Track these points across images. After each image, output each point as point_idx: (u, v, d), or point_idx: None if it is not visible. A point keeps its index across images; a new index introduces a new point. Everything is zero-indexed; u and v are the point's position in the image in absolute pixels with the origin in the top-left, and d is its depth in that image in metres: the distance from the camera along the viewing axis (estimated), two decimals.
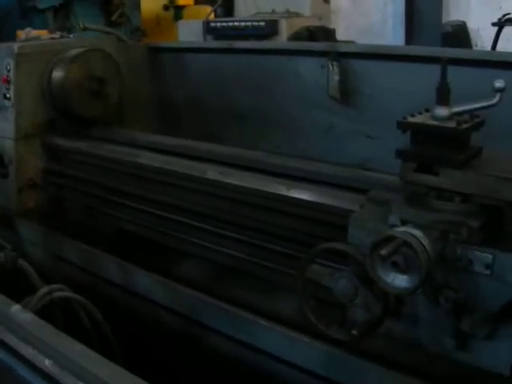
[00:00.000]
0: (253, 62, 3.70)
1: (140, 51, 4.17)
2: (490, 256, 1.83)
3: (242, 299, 2.85)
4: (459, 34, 8.35)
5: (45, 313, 2.61)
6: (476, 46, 8.76)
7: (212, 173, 2.83)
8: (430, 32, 8.32)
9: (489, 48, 6.97)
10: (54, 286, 2.77)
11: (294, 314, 2.57)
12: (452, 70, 1.94)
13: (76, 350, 1.72)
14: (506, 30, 6.70)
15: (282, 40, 6.17)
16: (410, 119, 1.95)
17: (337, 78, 3.15)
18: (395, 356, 2.37)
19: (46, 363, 1.65)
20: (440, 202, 1.92)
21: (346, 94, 3.20)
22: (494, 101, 1.86)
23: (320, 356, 2.47)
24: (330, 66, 3.17)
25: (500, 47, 6.57)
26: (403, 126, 1.94)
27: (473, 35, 8.76)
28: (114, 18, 7.17)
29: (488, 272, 1.84)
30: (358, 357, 2.36)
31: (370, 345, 2.31)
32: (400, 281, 1.79)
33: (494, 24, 6.84)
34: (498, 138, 2.45)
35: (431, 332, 2.01)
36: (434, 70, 1.95)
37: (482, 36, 8.56)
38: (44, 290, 2.73)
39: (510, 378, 1.95)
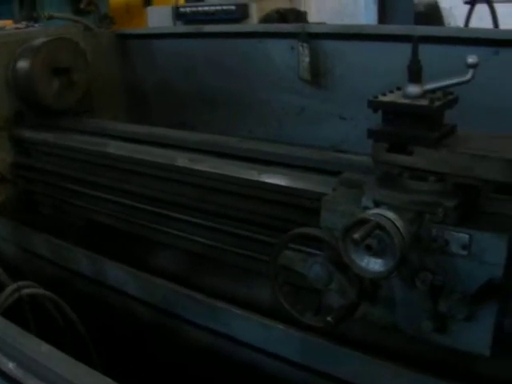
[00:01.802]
0: (222, 45, 3.64)
1: (108, 39, 4.09)
2: (467, 236, 1.79)
3: (216, 288, 2.82)
4: (432, 14, 8.32)
5: (14, 311, 2.56)
6: (449, 24, 8.74)
7: (182, 160, 2.77)
8: (403, 12, 8.29)
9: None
10: (22, 283, 2.69)
11: (271, 301, 2.53)
12: (424, 48, 1.89)
13: (42, 351, 1.65)
14: (478, 7, 6.67)
15: (252, 23, 6.12)
16: (381, 98, 1.89)
17: (307, 59, 3.10)
18: (373, 340, 2.35)
19: (10, 366, 1.58)
20: (414, 183, 1.88)
21: (317, 75, 3.15)
22: (467, 77, 1.81)
23: (296, 343, 2.44)
24: (300, 48, 3.12)
25: (472, 25, 6.55)
26: (374, 105, 1.89)
27: (445, 14, 8.73)
28: (82, 6, 7.10)
29: (465, 252, 1.80)
30: (335, 343, 2.33)
31: (348, 330, 2.28)
32: (374, 264, 1.74)
33: (466, 2, 6.82)
34: (472, 117, 2.41)
35: (408, 315, 1.97)
36: (406, 49, 1.90)
37: (455, 15, 8.54)
38: (12, 287, 2.65)
39: (490, 358, 1.93)
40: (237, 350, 2.64)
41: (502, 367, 2.19)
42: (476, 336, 1.89)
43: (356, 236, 1.64)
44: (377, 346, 2.34)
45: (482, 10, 6.60)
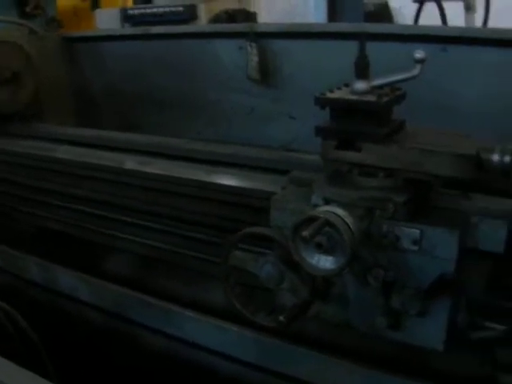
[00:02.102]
0: (171, 47, 3.61)
1: (54, 42, 4.02)
2: (418, 231, 1.79)
3: (170, 292, 2.80)
4: (381, 13, 8.38)
5: None
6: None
7: (130, 163, 2.73)
8: (353, 11, 8.31)
9: None
10: None
11: (225, 303, 2.51)
12: (373, 46, 1.88)
13: None
14: (427, 6, 6.74)
15: (201, 24, 6.09)
16: (329, 95, 1.88)
17: (256, 59, 3.08)
18: (328, 339, 2.34)
19: None
20: (363, 179, 1.87)
21: (266, 74, 3.14)
22: (415, 72, 1.81)
23: (250, 344, 2.43)
24: (249, 47, 3.10)
25: (422, 24, 6.62)
26: (321, 102, 1.87)
27: (395, 13, 8.81)
28: (28, 9, 6.98)
29: (416, 248, 1.80)
30: (289, 342, 2.32)
31: (302, 329, 2.27)
32: (325, 262, 1.73)
33: (415, 1, 6.88)
34: (421, 113, 2.42)
35: (362, 312, 1.97)
36: (355, 47, 1.88)
37: (404, 14, 8.61)
38: None
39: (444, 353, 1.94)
40: (191, 353, 2.62)
41: (455, 362, 2.20)
42: (429, 331, 1.89)
43: (305, 234, 1.62)
44: (331, 344, 2.33)
45: (430, 9, 6.67)
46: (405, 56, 1.80)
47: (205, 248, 2.57)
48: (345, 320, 2.01)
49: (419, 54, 1.79)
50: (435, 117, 2.66)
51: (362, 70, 1.86)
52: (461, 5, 6.83)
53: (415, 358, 2.25)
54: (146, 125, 3.69)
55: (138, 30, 3.82)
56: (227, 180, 2.46)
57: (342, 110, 1.86)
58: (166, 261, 2.77)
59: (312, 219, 1.68)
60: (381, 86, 1.87)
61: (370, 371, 2.27)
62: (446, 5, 6.17)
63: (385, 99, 1.82)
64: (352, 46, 1.86)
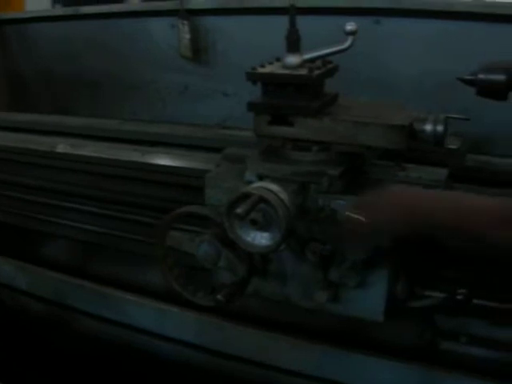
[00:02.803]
0: (102, 26, 3.53)
1: None
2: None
3: (111, 276, 2.77)
4: None
5: None
6: None
7: (63, 146, 2.68)
8: None
9: None
10: None
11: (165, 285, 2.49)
12: (305, 20, 1.85)
13: None
14: None
15: (133, 3, 5.98)
16: (260, 69, 1.85)
17: (188, 36, 3.04)
18: (269, 315, 2.34)
19: None
20: (297, 153, 1.86)
21: (199, 52, 3.09)
22: (346, 45, 1.79)
23: (191, 325, 2.41)
24: (180, 25, 3.05)
25: None
26: (252, 77, 1.84)
27: None
28: None
29: None
30: (230, 321, 2.31)
31: (244, 307, 2.26)
32: (261, 239, 1.71)
33: None
34: (356, 86, 2.42)
35: (301, 287, 1.96)
36: (288, 22, 1.86)
37: None
38: None
39: (385, 323, 1.94)
40: (133, 336, 2.60)
41: (397, 332, 2.22)
42: (369, 303, 1.90)
43: (239, 211, 1.60)
44: (273, 320, 2.33)
45: None
46: (338, 29, 1.78)
47: (142, 230, 2.53)
48: (284, 296, 2.00)
49: (350, 26, 1.77)
50: (370, 91, 2.65)
51: (293, 43, 1.84)
52: None
53: (357, 330, 2.27)
54: (81, 107, 3.61)
55: (68, 11, 3.72)
56: (162, 160, 2.43)
57: (274, 85, 1.84)
58: (104, 245, 2.73)
59: (246, 196, 1.66)
60: (312, 60, 1.85)
61: (312, 345, 2.27)
62: None
63: (316, 72, 1.80)
64: (285, 21, 1.84)
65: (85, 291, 2.69)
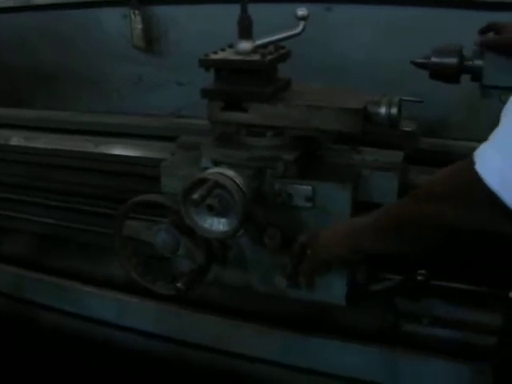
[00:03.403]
0: (55, 17, 3.47)
1: None
2: (310, 188, 1.80)
3: (70, 269, 2.73)
4: None
5: None
6: None
7: (16, 138, 2.64)
8: None
9: None
10: None
11: (124, 276, 2.47)
12: (257, 8, 1.87)
13: None
14: None
15: None
16: (213, 56, 1.86)
17: (140, 26, 3.02)
18: (231, 303, 2.34)
19: None
20: (251, 139, 1.87)
21: (151, 42, 3.07)
22: (298, 30, 1.79)
23: (152, 315, 2.40)
24: (132, 15, 3.03)
25: None
26: (205, 63, 1.85)
27: None
28: None
29: (310, 204, 1.82)
30: (189, 308, 2.31)
31: (204, 295, 2.25)
32: (218, 225, 1.72)
33: None
34: (308, 73, 2.42)
35: (260, 273, 1.98)
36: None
37: None
38: None
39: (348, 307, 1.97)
40: (93, 328, 2.59)
41: (357, 316, 2.23)
42: (331, 287, 1.91)
43: (195, 196, 1.60)
44: (234, 307, 2.33)
45: None
46: (290, 16, 1.78)
47: (99, 221, 2.51)
48: (245, 282, 2.01)
49: (301, 12, 1.78)
50: (322, 76, 2.65)
51: (245, 29, 1.85)
52: None
53: (319, 315, 2.27)
54: (35, 101, 3.56)
55: (19, 2, 3.67)
56: (117, 150, 2.42)
57: (227, 71, 1.85)
58: (61, 237, 2.70)
59: (201, 182, 1.66)
60: (265, 45, 1.86)
61: (274, 331, 2.28)
62: None
63: (269, 57, 1.81)
64: (237, 10, 1.84)
65: (44, 285, 2.66)
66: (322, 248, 1.67)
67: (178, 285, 1.88)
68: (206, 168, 1.80)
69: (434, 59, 1.80)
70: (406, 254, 1.61)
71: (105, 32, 3.25)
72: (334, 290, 1.92)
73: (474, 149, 1.18)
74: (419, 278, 1.93)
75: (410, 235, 1.41)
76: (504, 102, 1.21)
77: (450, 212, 1.25)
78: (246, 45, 1.83)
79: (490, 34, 1.81)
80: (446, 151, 2.15)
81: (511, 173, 1.11)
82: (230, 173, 1.69)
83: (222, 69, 1.85)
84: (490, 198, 1.13)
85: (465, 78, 1.83)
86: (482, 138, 1.19)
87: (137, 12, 3.02)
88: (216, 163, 1.81)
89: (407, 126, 1.86)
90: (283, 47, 1.91)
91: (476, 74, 1.79)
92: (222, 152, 1.83)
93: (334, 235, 1.65)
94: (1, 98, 3.62)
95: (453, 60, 1.78)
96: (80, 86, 3.41)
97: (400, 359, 2.18)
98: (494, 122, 1.18)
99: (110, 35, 3.23)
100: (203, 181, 1.66)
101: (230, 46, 1.91)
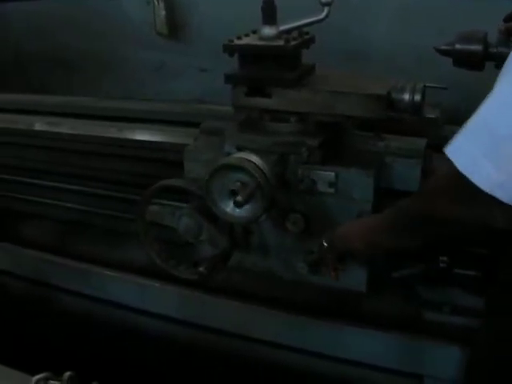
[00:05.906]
0: (76, 4, 3.49)
1: None
2: (333, 174, 1.80)
3: (91, 254, 2.75)
4: None
5: None
6: None
7: (40, 124, 2.65)
8: None
9: None
10: None
11: (147, 261, 2.49)
12: None
13: None
14: None
15: None
16: (237, 41, 1.85)
17: (163, 13, 3.01)
18: (253, 289, 2.35)
19: None
20: (275, 125, 1.86)
21: (175, 28, 3.07)
22: (322, 15, 1.78)
23: (173, 299, 2.42)
24: (156, 2, 3.03)
25: None
26: (229, 48, 1.84)
27: None
28: None
29: (332, 190, 1.81)
30: (211, 294, 2.31)
31: (225, 280, 2.26)
32: (242, 210, 1.72)
33: None
34: (332, 58, 2.40)
35: (283, 259, 1.98)
36: None
37: None
38: None
39: (368, 294, 1.98)
40: (114, 312, 2.61)
41: (381, 303, 2.23)
42: (352, 273, 1.90)
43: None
44: (255, 293, 2.34)
45: None
46: (314, 2, 1.77)
47: (124, 207, 2.52)
48: (267, 268, 2.01)
49: None
50: (346, 62, 2.64)
51: (269, 15, 1.83)
52: None
53: (341, 302, 2.27)
54: (56, 87, 3.57)
55: None
56: (140, 135, 2.42)
57: (251, 56, 1.84)
58: (85, 222, 2.71)
59: (226, 167, 1.66)
60: (288, 31, 1.85)
61: (295, 317, 2.28)
62: None
63: (293, 43, 1.80)
64: None
65: (65, 269, 2.69)
66: (340, 244, 1.72)
67: (201, 269, 1.88)
68: (229, 153, 1.80)
69: (458, 46, 1.77)
70: (417, 248, 1.63)
71: (127, 19, 3.25)
72: (354, 276, 1.92)
73: None
74: (442, 265, 1.93)
75: (416, 231, 1.47)
76: None
77: (448, 208, 1.32)
78: (269, 30, 1.83)
79: None
80: None
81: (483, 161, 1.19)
82: (255, 158, 1.69)
83: (246, 54, 1.84)
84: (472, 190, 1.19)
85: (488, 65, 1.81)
86: None
87: None
88: (239, 148, 1.81)
89: (430, 113, 1.85)
90: (307, 33, 1.89)
91: (501, 62, 1.78)
92: (246, 137, 1.83)
93: (350, 231, 1.70)
94: (23, 84, 3.65)
95: (478, 47, 1.75)
96: (102, 72, 3.42)
97: (420, 346, 2.18)
98: None
99: (132, 22, 3.22)
100: (227, 166, 1.66)
101: (254, 32, 1.90)
